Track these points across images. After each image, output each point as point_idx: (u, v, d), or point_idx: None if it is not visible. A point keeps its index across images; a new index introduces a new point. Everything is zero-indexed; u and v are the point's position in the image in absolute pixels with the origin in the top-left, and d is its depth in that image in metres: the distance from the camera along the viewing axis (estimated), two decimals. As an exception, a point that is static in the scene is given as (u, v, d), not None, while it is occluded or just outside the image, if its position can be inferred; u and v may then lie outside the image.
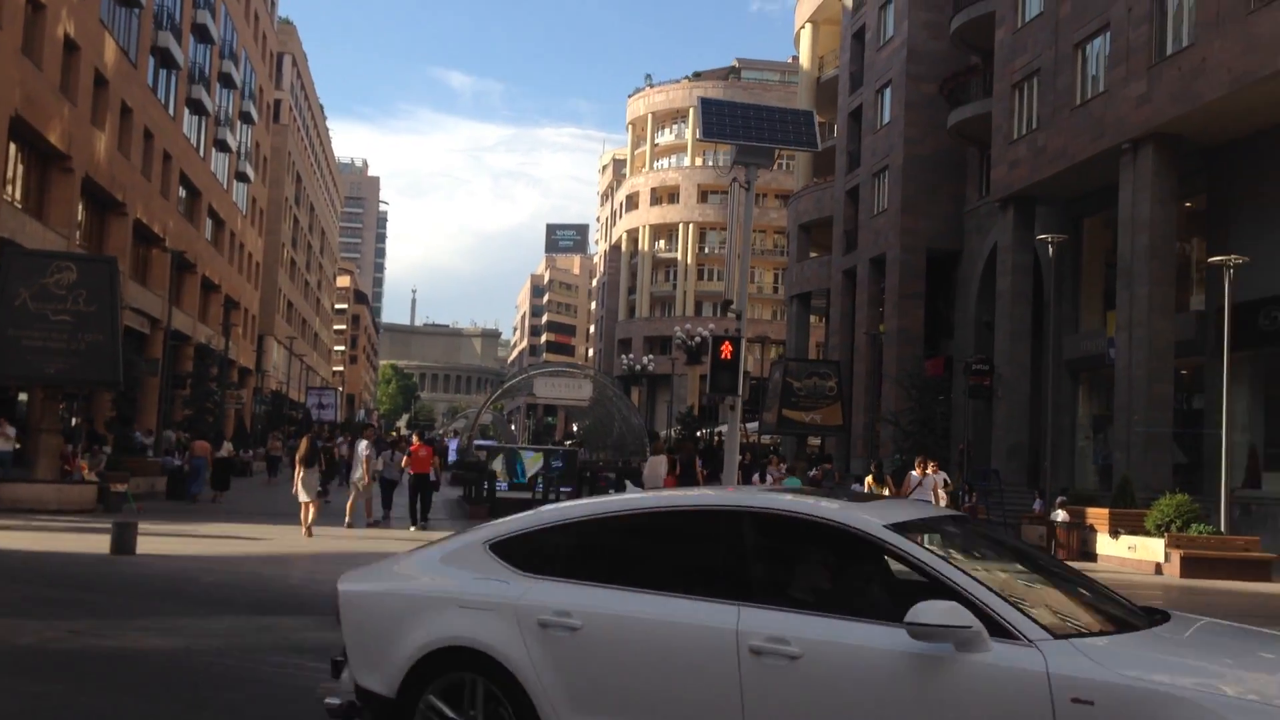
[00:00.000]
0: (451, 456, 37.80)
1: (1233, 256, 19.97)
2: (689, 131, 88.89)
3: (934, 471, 19.70)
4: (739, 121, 9.84)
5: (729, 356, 9.43)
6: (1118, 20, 26.76)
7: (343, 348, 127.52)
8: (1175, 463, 26.09)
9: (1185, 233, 27.62)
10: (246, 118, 59.10)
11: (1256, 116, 23.90)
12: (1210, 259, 21.67)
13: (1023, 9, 31.86)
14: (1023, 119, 31.53)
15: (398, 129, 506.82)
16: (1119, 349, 26.57)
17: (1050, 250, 26.40)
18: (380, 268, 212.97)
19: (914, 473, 19.85)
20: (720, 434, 54.87)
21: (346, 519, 20.73)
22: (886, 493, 19.99)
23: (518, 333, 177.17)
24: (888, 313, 40.44)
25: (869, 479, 20.94)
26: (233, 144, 55.43)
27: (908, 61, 39.64)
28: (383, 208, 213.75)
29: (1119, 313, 26.79)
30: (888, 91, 41.43)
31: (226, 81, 53.52)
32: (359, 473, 21.15)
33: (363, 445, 21.67)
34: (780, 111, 10.13)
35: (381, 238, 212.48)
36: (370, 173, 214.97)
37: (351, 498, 21.20)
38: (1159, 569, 18.54)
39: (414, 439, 24.14)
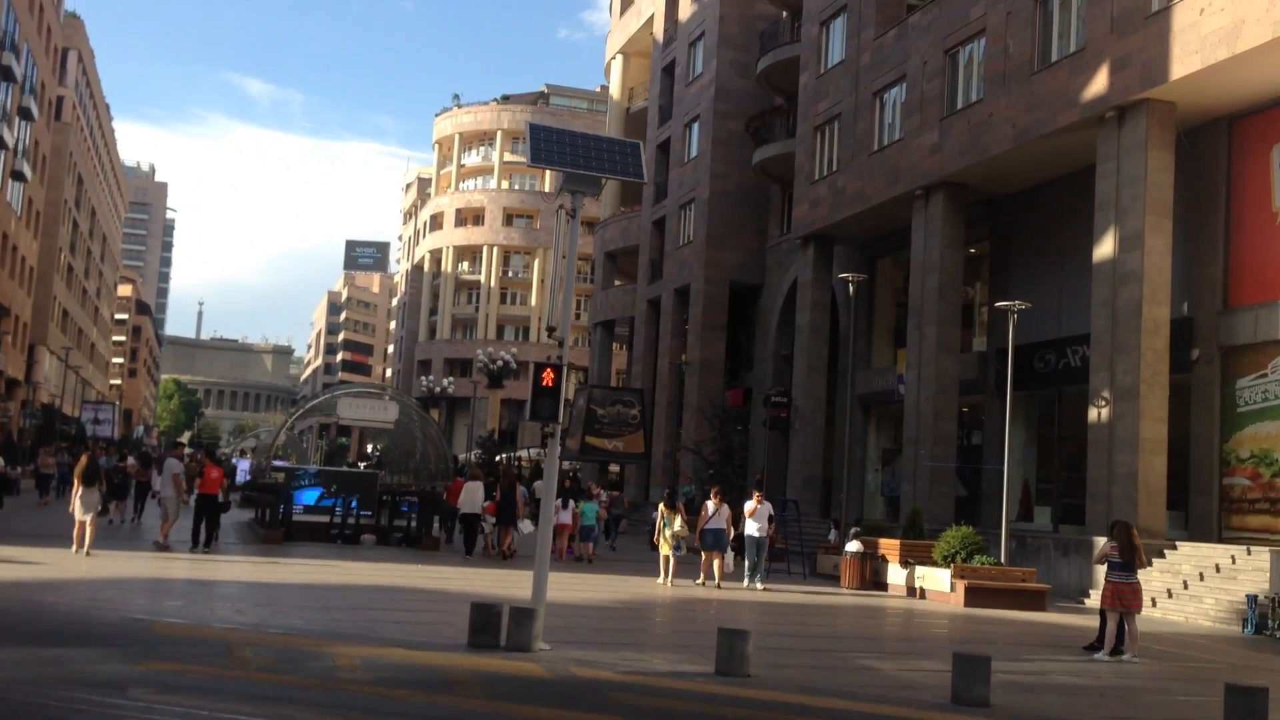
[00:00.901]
0: (243, 477, 36.29)
1: (1017, 302, 21.21)
2: (496, 154, 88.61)
3: (760, 503, 20.60)
4: (567, 149, 9.85)
5: (550, 384, 9.39)
6: (913, 73, 28.18)
7: (122, 360, 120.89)
8: (957, 495, 27.48)
9: (970, 277, 29.21)
10: (26, 114, 55.55)
11: (1037, 170, 25.56)
12: (996, 303, 22.97)
13: (825, 56, 33.17)
14: (824, 161, 32.76)
15: (190, 134, 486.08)
16: (908, 385, 27.83)
17: (850, 288, 27.44)
18: (166, 278, 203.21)
19: (709, 502, 20.59)
20: (520, 458, 54.60)
21: (160, 538, 19.95)
22: (679, 521, 20.65)
23: (312, 350, 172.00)
24: (690, 343, 41.20)
25: (662, 506, 21.46)
26: (9, 141, 51.99)
27: (715, 99, 40.64)
28: (170, 215, 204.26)
29: (909, 351, 28.08)
30: (696, 126, 42.36)
31: (5, 75, 50.22)
32: (171, 491, 20.24)
33: (174, 464, 20.71)
34: (608, 141, 10.20)
35: (168, 246, 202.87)
36: (158, 178, 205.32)
37: (170, 519, 20.28)
38: (946, 598, 19.41)
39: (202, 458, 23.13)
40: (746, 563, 20.49)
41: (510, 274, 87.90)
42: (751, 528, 20.38)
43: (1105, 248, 21.73)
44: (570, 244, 9.62)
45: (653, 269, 45.54)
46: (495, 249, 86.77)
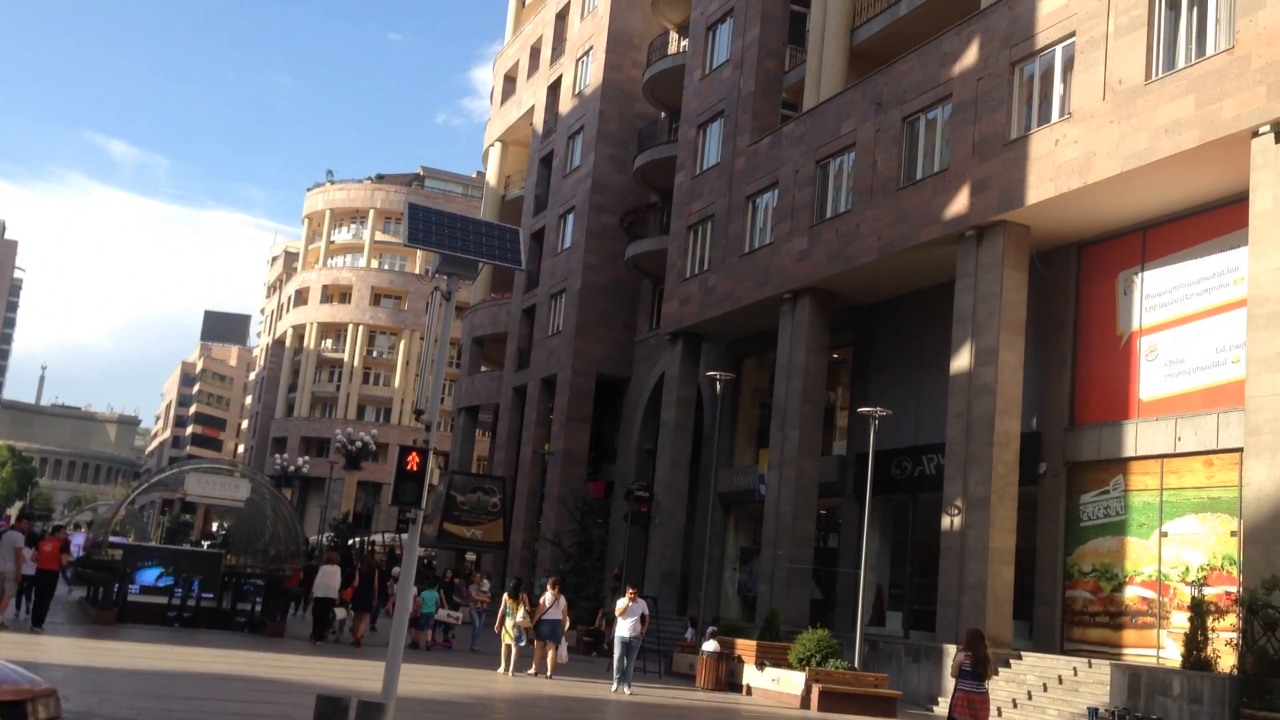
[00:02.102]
0: (76, 552, 34.41)
1: (879, 409, 21.70)
2: (368, 232, 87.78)
3: (632, 600, 19.85)
4: (445, 231, 9.74)
5: (415, 468, 9.14)
6: (785, 180, 29.00)
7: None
8: (812, 598, 27.68)
9: (832, 381, 29.84)
10: None
11: (900, 281, 26.40)
12: (857, 409, 23.44)
13: (701, 158, 33.93)
14: (695, 259, 33.30)
15: (47, 192, 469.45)
16: (769, 486, 28.10)
17: (718, 387, 27.73)
18: (8, 339, 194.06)
19: (547, 594, 20.47)
20: (374, 543, 53.17)
21: None
22: (521, 611, 20.52)
23: (160, 422, 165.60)
24: (555, 433, 40.98)
25: (505, 596, 21.31)
26: None
27: (592, 192, 41.13)
28: (18, 274, 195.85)
29: (771, 451, 28.41)
30: (571, 217, 42.72)
31: None
32: (11, 566, 18.88)
33: (15, 537, 19.40)
34: (487, 225, 10.12)
35: (14, 306, 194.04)
36: (8, 235, 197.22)
37: (6, 595, 18.88)
38: (802, 702, 19.38)
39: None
40: (615, 666, 19.41)
41: (375, 354, 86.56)
42: (623, 628, 19.51)
43: (962, 360, 22.46)
44: (443, 327, 9.47)
45: (520, 357, 45.38)
46: (361, 328, 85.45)
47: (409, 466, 9.12)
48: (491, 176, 54.18)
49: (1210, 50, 18.16)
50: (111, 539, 31.43)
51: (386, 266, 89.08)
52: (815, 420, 27.77)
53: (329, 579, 22.80)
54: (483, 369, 51.76)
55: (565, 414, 40.24)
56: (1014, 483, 21.59)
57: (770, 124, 31.05)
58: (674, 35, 40.24)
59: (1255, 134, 17.10)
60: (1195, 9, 18.71)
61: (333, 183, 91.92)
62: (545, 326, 43.28)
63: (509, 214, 50.74)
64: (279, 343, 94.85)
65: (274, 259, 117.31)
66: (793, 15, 32.10)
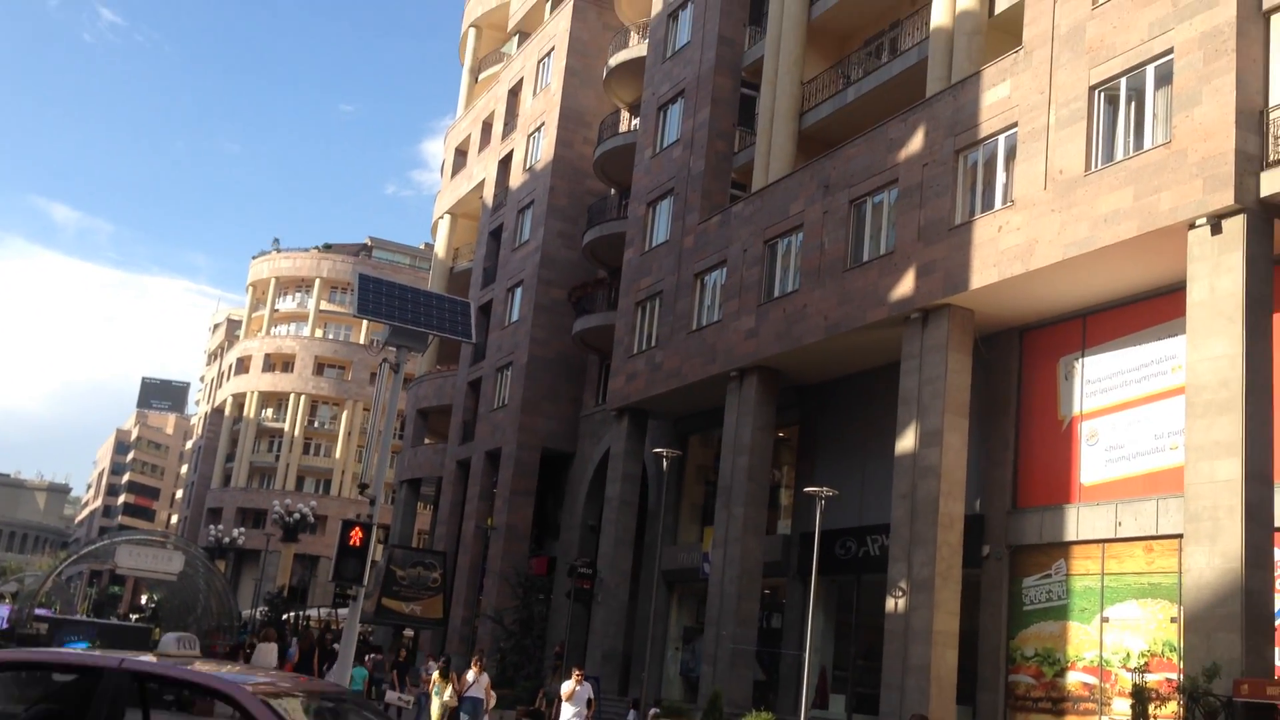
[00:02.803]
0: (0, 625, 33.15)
1: (826, 489, 21.72)
2: (313, 301, 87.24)
3: (579, 683, 19.28)
4: (395, 302, 9.66)
5: (358, 543, 8.95)
6: (734, 259, 29.25)
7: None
8: (755, 679, 27.38)
9: (778, 460, 29.86)
10: None
11: (846, 362, 26.60)
12: (804, 488, 23.45)
13: (650, 235, 34.17)
14: (643, 335, 33.36)
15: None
16: (714, 565, 27.91)
17: (664, 464, 27.63)
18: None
19: (470, 671, 20.52)
20: (310, 617, 51.98)
21: None
22: (449, 690, 20.61)
23: (92, 490, 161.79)
24: (498, 507, 40.55)
25: (435, 674, 21.26)
26: None
27: (540, 266, 41.22)
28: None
29: (716, 529, 28.27)
30: (519, 291, 42.73)
31: None
32: None
33: None
34: (438, 298, 10.06)
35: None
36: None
37: None
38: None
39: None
40: None
41: (316, 424, 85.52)
42: (568, 713, 18.97)
43: (907, 441, 22.58)
44: (391, 399, 9.34)
45: (465, 429, 45.01)
46: (303, 397, 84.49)
47: (351, 542, 8.93)
48: (440, 248, 54.19)
49: (1148, 144, 18.68)
50: (37, 611, 30.42)
51: (331, 336, 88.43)
52: (761, 499, 27.73)
53: (266, 657, 22.16)
54: (426, 441, 51.25)
55: (509, 488, 39.85)
56: (958, 565, 21.61)
57: (719, 203, 31.41)
58: (625, 114, 40.75)
59: (1192, 226, 17.53)
60: (1133, 104, 19.27)
61: (279, 251, 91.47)
62: (491, 400, 43.04)
63: (457, 286, 50.69)
64: (218, 411, 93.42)
65: (216, 326, 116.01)
66: (743, 98, 32.67)
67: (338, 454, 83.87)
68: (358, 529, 8.98)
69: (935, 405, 22.06)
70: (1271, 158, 16.93)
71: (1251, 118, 17.12)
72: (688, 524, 33.30)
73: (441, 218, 54.33)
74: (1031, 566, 22.03)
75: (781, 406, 28.46)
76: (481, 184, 49.62)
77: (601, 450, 37.14)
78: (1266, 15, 17.52)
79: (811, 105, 29.31)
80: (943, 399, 21.94)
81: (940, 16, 24.26)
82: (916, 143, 23.61)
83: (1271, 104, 17.20)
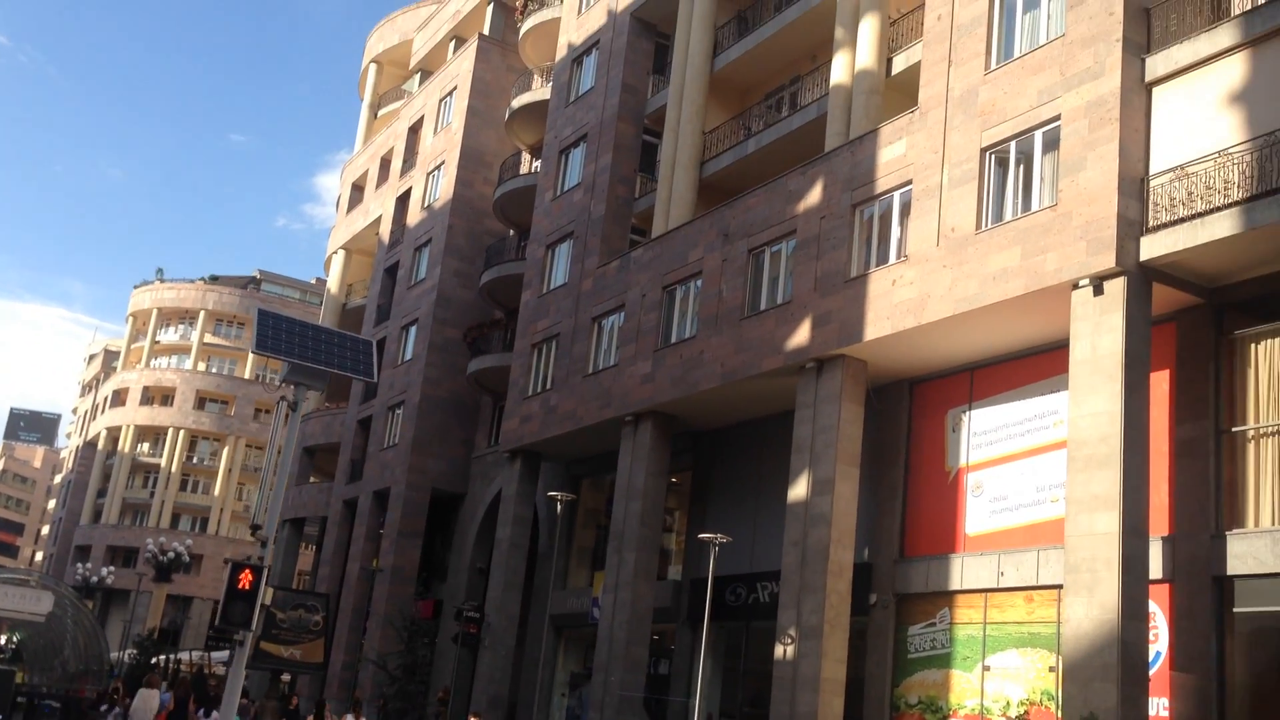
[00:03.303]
0: None
1: (719, 535, 21.80)
2: (196, 334, 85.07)
3: None
4: (295, 339, 9.44)
5: (248, 586, 8.66)
6: (632, 304, 29.37)
7: None
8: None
9: (670, 505, 29.90)
10: None
11: (741, 409, 26.84)
12: (696, 534, 23.50)
13: (548, 277, 34.12)
14: (538, 378, 33.21)
15: None
16: (603, 609, 27.75)
17: (558, 507, 27.46)
18: None
19: (349, 717, 19.95)
20: (182, 661, 50.14)
21: None
22: None
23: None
24: (384, 548, 39.79)
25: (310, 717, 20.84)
26: None
27: (436, 305, 40.84)
28: None
29: (607, 574, 28.13)
30: (413, 329, 42.25)
31: None
32: None
33: None
34: (339, 335, 9.87)
35: None
36: None
37: None
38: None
39: None
40: None
41: (195, 460, 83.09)
42: None
43: (799, 489, 22.82)
44: (288, 438, 9.11)
45: (353, 468, 44.17)
46: (182, 432, 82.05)
47: (240, 584, 8.65)
48: (333, 284, 53.37)
49: (1036, 206, 19.33)
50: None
51: (215, 370, 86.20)
52: (652, 544, 27.69)
53: (146, 702, 21.31)
54: (312, 480, 50.16)
55: (396, 529, 39.15)
56: (846, 613, 21.84)
57: (619, 248, 31.55)
58: (526, 155, 40.80)
59: (1075, 286, 18.16)
60: (1022, 166, 19.95)
61: (162, 281, 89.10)
62: (381, 438, 42.33)
63: (349, 323, 49.92)
64: (90, 445, 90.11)
65: (92, 357, 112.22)
66: (645, 145, 32.96)
67: (217, 490, 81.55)
68: (248, 571, 8.69)
69: (828, 454, 22.36)
70: (1151, 223, 17.66)
71: (1133, 184, 17.85)
72: (577, 568, 33.09)
73: (336, 253, 53.55)
74: (917, 615, 22.37)
75: (676, 452, 28.55)
76: (378, 220, 49.09)
77: (492, 492, 36.77)
78: (1148, 87, 18.34)
79: (713, 154, 29.72)
80: (835, 448, 22.25)
81: (840, 74, 24.86)
82: (815, 195, 24.08)
83: (1152, 172, 17.97)
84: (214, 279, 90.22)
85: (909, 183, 21.85)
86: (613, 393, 29.14)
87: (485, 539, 36.64)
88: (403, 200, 47.07)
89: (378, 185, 50.21)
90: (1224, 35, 17.45)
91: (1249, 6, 18.35)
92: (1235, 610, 17.41)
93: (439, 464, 39.63)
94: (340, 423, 47.13)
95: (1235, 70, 17.40)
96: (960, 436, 22.39)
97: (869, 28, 24.36)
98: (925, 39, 22.39)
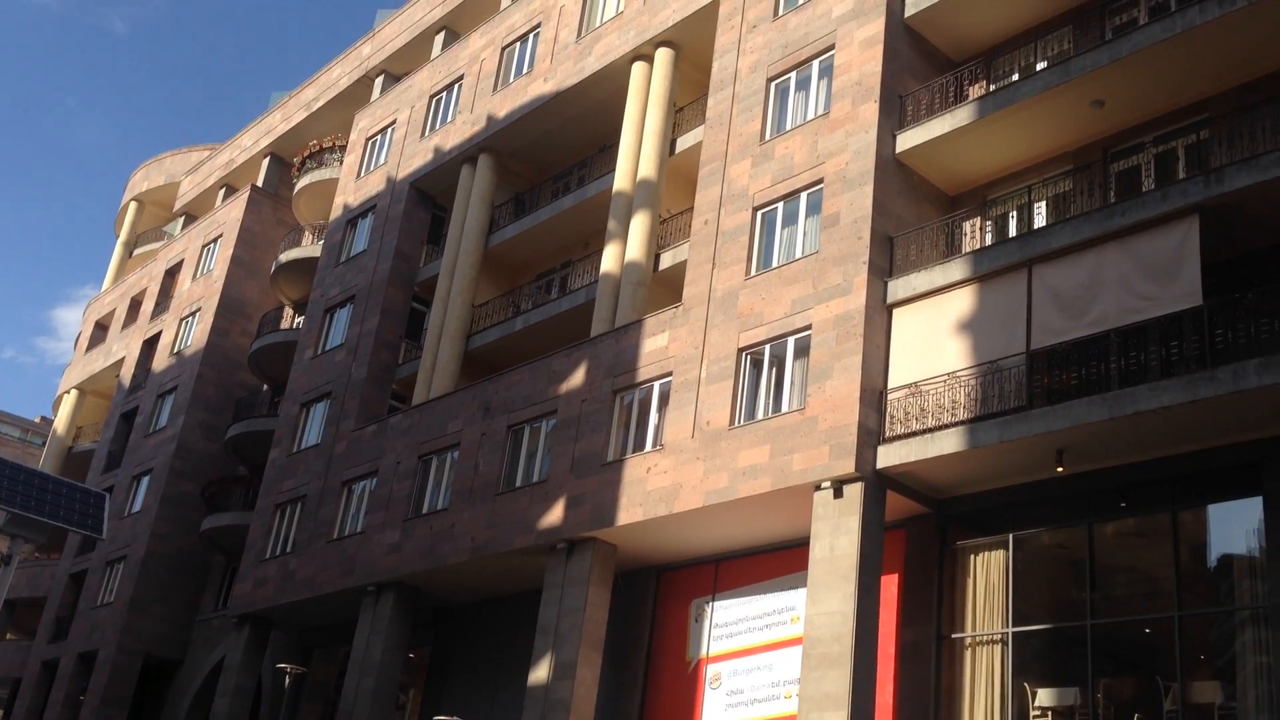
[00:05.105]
0: None
1: (455, 718, 21.08)
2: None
3: None
4: (19, 485, 8.76)
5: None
6: (386, 470, 28.75)
7: None
8: None
9: (405, 683, 28.75)
10: None
11: (489, 586, 26.41)
12: (433, 718, 22.65)
13: (301, 437, 33.06)
14: (279, 540, 31.75)
15: None
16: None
17: (287, 680, 25.96)
18: None
19: None
20: None
21: None
22: None
23: None
24: (84, 715, 36.33)
25: None
26: None
27: (175, 456, 38.77)
28: None
29: (332, 754, 26.59)
30: (146, 480, 39.84)
31: None
32: None
33: None
34: (69, 485, 9.21)
35: None
36: None
37: None
38: None
39: None
40: None
41: None
42: None
43: (540, 673, 22.44)
44: (0, 594, 8.35)
45: (58, 626, 40.54)
46: None
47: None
48: (60, 425, 49.92)
49: (786, 408, 20.33)
50: None
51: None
52: (384, 723, 26.43)
53: None
54: (9, 636, 45.67)
55: (100, 696, 35.90)
56: (580, 804, 21.33)
57: (377, 413, 31.02)
58: (289, 310, 40.00)
59: (818, 488, 19.04)
60: (774, 370, 21.03)
61: None
62: (95, 595, 39.16)
63: (74, 467, 46.61)
64: None
65: None
66: (413, 312, 32.91)
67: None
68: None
69: (572, 637, 22.17)
70: (888, 434, 18.86)
71: (873, 396, 19.10)
72: (300, 747, 31.13)
73: (68, 392, 50.32)
74: (650, 808, 22.07)
75: (417, 626, 27.68)
76: (121, 362, 46.63)
77: (214, 660, 34.45)
78: (890, 308, 19.87)
79: (480, 328, 29.97)
80: (580, 631, 22.11)
81: (610, 264, 25.79)
82: (578, 378, 24.55)
83: (891, 386, 19.29)
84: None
85: (669, 374, 22.61)
86: (357, 560, 28.16)
87: (199, 710, 34.08)
88: (150, 344, 45.00)
89: (124, 326, 47.88)
90: (955, 269, 19.21)
91: (978, 245, 20.35)
92: (951, 812, 18.02)
93: (157, 626, 36.92)
94: (50, 575, 43.43)
95: (965, 301, 19.11)
96: (702, 627, 22.69)
97: (640, 223, 25.51)
98: (692, 240, 23.60)
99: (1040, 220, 20.46)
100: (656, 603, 23.80)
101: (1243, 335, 16.16)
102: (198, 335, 41.22)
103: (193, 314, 42.33)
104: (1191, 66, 18.40)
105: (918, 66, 22.08)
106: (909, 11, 21.94)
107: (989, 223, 21.30)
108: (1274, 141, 17.17)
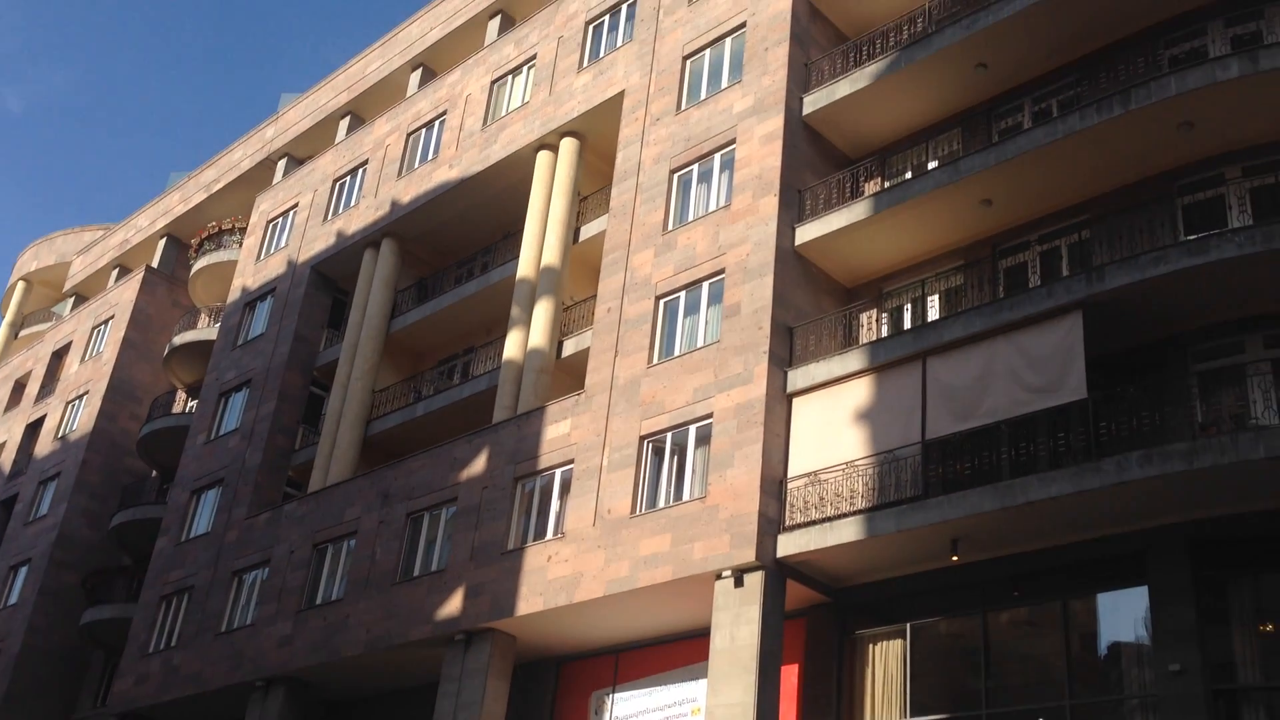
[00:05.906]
0: None
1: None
2: None
3: None
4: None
5: None
6: (279, 559, 27.95)
7: None
8: None
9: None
10: None
11: (385, 680, 25.67)
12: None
13: (191, 525, 32.01)
14: (164, 634, 30.51)
15: None
16: None
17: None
18: None
19: None
20: None
21: None
22: None
23: None
24: (-54, 824, 34.20)
25: None
26: None
27: (55, 545, 37.20)
28: None
29: None
30: (24, 570, 38.12)
31: None
32: None
33: None
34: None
35: None
36: None
37: None
38: None
39: None
40: None
41: None
42: None
43: (437, 769, 21.81)
44: None
45: (-79, 726, 38.26)
46: None
47: None
48: (-66, 511, 47.67)
49: (687, 496, 20.34)
50: None
51: None
52: (270, 826, 25.35)
53: None
54: None
55: (-35, 802, 33.88)
56: None
57: (272, 500, 30.25)
58: (182, 394, 39.01)
59: (719, 577, 19.02)
60: (676, 458, 21.09)
61: None
62: (-37, 692, 37.10)
63: (-53, 556, 44.42)
64: None
65: None
66: (311, 396, 32.32)
67: None
68: None
69: (469, 732, 21.62)
70: (788, 523, 18.98)
71: (774, 485, 19.24)
72: None
73: (-56, 477, 48.14)
74: None
75: (308, 723, 26.73)
76: (1, 447, 44.86)
77: (91, 760, 32.77)
78: (790, 397, 20.13)
79: (380, 414, 29.55)
80: (477, 725, 21.58)
81: (512, 350, 25.72)
82: (479, 465, 24.30)
83: (790, 474, 19.47)
84: None
85: (571, 462, 22.51)
86: (245, 654, 27.20)
87: (74, 815, 32.31)
88: (34, 428, 43.41)
89: (6, 409, 46.14)
90: (853, 360, 19.59)
91: (875, 337, 20.81)
92: None
93: (31, 725, 35.08)
94: (-85, 671, 41.05)
95: (862, 391, 19.47)
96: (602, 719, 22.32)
97: (543, 310, 25.57)
98: (595, 328, 23.72)
99: (934, 313, 21.02)
100: (556, 695, 23.36)
101: (1125, 428, 16.72)
102: (84, 419, 39.91)
103: (80, 397, 41.04)
104: (1073, 169, 19.24)
105: (816, 162, 22.72)
106: (807, 110, 22.63)
107: (885, 314, 21.82)
108: (1151, 241, 18.00)
